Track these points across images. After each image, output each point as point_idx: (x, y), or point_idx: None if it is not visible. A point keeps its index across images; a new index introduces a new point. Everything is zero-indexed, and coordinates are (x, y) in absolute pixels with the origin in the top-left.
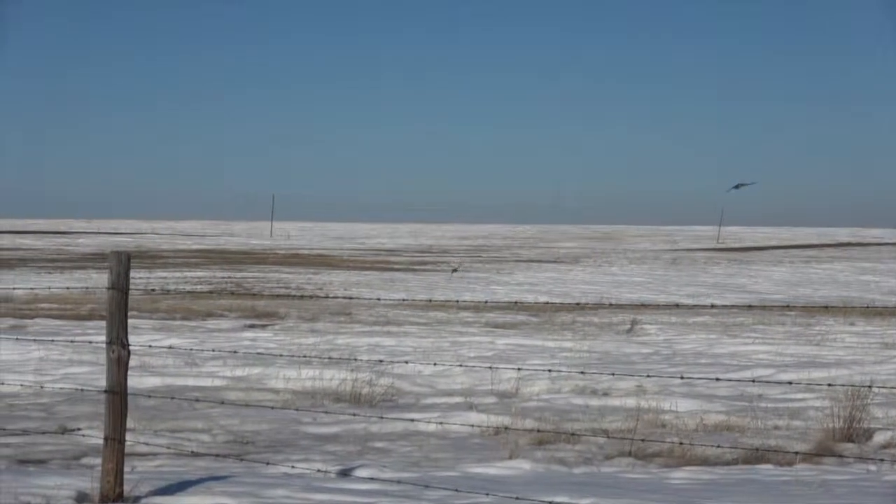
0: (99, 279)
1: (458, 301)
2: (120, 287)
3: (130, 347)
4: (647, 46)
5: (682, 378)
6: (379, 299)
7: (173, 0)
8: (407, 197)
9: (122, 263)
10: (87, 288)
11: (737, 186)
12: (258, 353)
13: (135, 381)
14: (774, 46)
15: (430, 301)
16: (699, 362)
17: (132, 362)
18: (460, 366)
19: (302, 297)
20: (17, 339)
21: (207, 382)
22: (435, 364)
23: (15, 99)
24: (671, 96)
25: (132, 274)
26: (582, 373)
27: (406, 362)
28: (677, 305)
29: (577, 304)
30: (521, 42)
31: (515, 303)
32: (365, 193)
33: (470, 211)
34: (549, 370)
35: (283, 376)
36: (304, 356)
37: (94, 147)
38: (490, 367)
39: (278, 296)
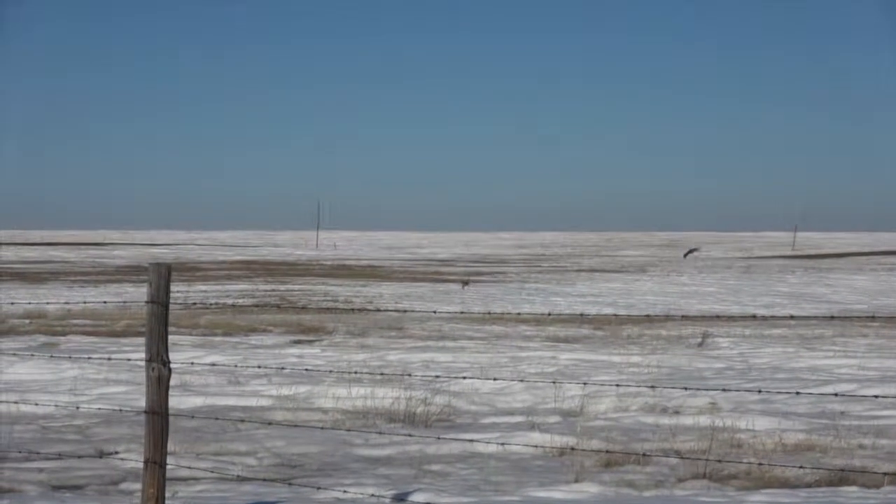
0: (135, 293)
1: (519, 313)
2: (160, 301)
3: (171, 365)
4: (713, 51)
5: (759, 393)
6: (435, 312)
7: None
8: (460, 204)
9: (161, 276)
10: (125, 302)
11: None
12: (305, 371)
13: (175, 401)
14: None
15: (489, 313)
16: (776, 377)
17: (172, 381)
18: (521, 381)
19: (351, 310)
20: (50, 356)
21: (252, 402)
22: (494, 380)
23: (47, 105)
24: (746, 95)
25: (171, 287)
26: (652, 387)
27: (464, 378)
28: (754, 317)
29: (647, 316)
30: (582, 47)
31: (583, 314)
32: (415, 200)
33: (528, 218)
34: (617, 385)
35: (332, 395)
36: (355, 373)
37: (131, 155)
38: (554, 383)
39: (325, 309)
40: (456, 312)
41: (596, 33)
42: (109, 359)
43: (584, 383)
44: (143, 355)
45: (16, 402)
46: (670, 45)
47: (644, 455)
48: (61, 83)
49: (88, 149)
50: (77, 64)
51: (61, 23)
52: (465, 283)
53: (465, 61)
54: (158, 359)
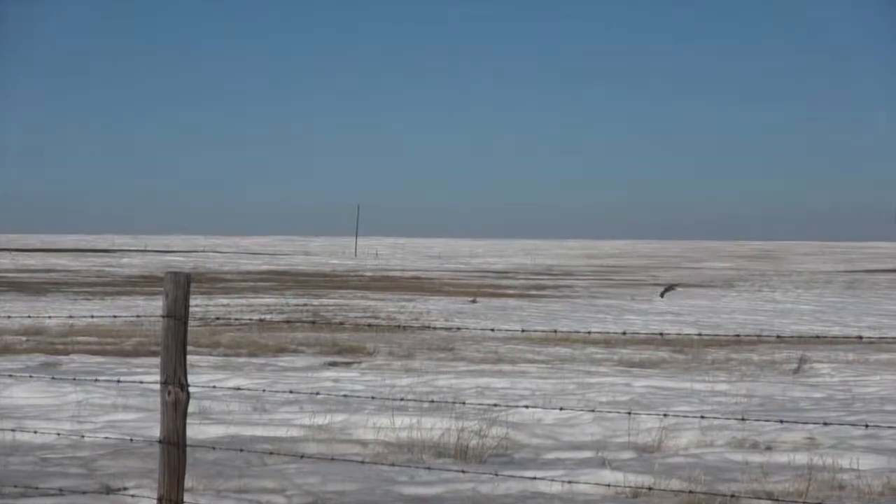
0: (147, 307)
1: (589, 332)
2: (177, 315)
3: (190, 388)
4: (825, 54)
5: (865, 427)
6: (493, 330)
7: (246, 2)
8: (520, 208)
9: (179, 286)
10: (137, 317)
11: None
12: (342, 397)
13: (193, 431)
14: None
15: (556, 332)
16: (885, 409)
17: (190, 407)
18: (590, 411)
19: (395, 327)
20: (51, 378)
21: (281, 432)
22: (561, 409)
23: (53, 101)
24: (857, 97)
25: (190, 300)
26: (741, 420)
27: (524, 407)
28: (859, 339)
29: (736, 336)
30: (655, 49)
31: (661, 334)
32: (468, 204)
33: (598, 224)
34: (701, 417)
35: (373, 425)
36: (399, 400)
37: (143, 153)
38: (629, 414)
39: (365, 327)
40: (516, 332)
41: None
42: (119, 381)
43: (664, 414)
44: (156, 377)
45: (12, 430)
46: (782, 50)
47: (731, 497)
48: (73, 78)
49: (94, 145)
50: (92, 58)
51: (81, 15)
52: (473, 300)
53: (527, 62)
54: (175, 381)
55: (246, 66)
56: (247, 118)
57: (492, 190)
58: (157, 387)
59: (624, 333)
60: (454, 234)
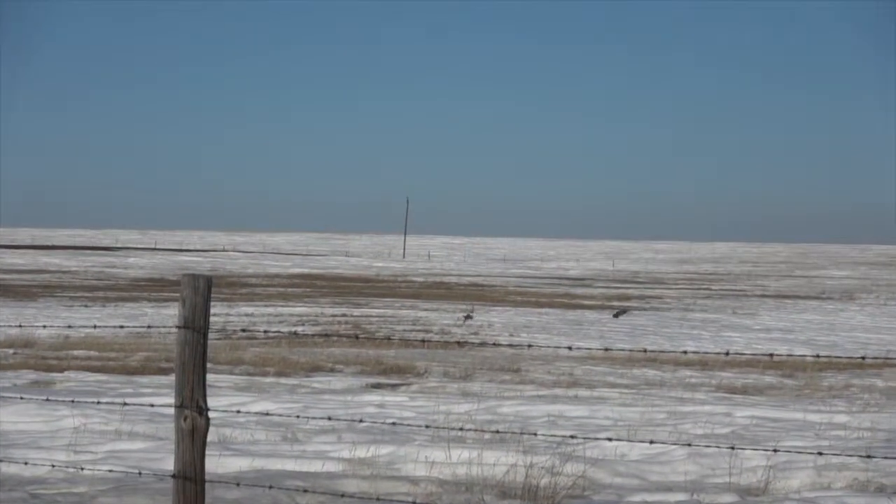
0: (156, 316)
1: (685, 352)
2: (196, 326)
3: (209, 413)
4: None
5: None
6: (570, 348)
7: None
8: (599, 203)
9: (198, 292)
10: (147, 328)
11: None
12: (389, 425)
13: (212, 463)
14: None
15: (646, 352)
16: None
17: (209, 435)
18: (687, 446)
19: (450, 344)
20: (46, 399)
21: (315, 466)
22: (651, 443)
23: (53, 80)
24: None
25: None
26: (866, 457)
27: (609, 440)
28: None
29: (862, 358)
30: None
31: (771, 356)
32: (539, 198)
33: (691, 225)
34: (819, 453)
35: (425, 459)
36: (459, 429)
37: (153, 134)
38: (731, 449)
39: (415, 342)
40: (594, 350)
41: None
42: (124, 404)
43: (772, 450)
44: (168, 399)
45: None
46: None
47: None
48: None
49: (93, 126)
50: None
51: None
52: (468, 315)
53: (600, 58)
54: (193, 404)
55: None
56: (275, 97)
57: (566, 183)
58: (170, 410)
59: (727, 354)
60: (521, 234)
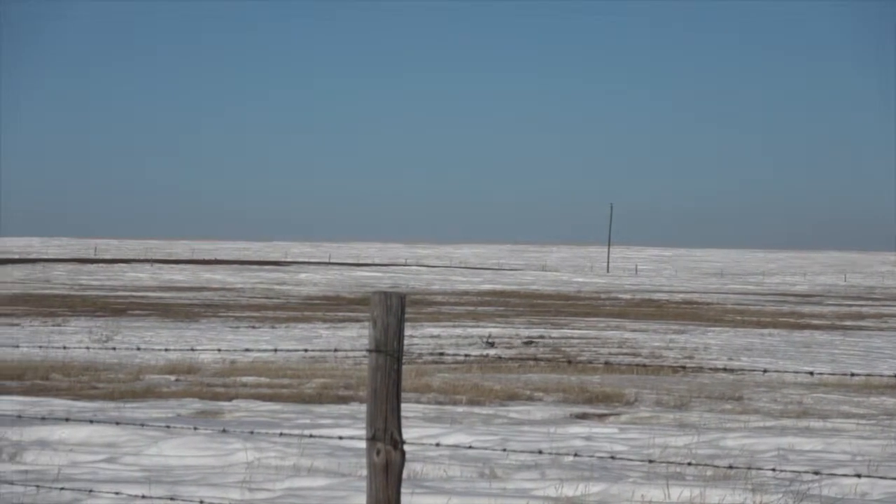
0: (331, 338)
1: None
2: (389, 350)
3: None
4: None
5: None
6: (812, 373)
7: None
8: (825, 210)
9: (392, 312)
10: (326, 351)
11: (487, 342)
12: (597, 460)
13: (404, 502)
14: None
15: (893, 377)
16: None
17: None
18: None
19: (662, 368)
20: (222, 430)
21: None
22: None
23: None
24: None
25: None
26: None
27: (844, 476)
28: None
29: None
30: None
31: None
32: (756, 206)
33: None
34: None
35: (641, 498)
36: (677, 463)
37: (325, 146)
38: None
39: (622, 367)
40: (834, 375)
41: None
42: (308, 436)
43: None
44: (348, 431)
45: (170, 500)
46: None
47: None
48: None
49: (258, 137)
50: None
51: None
52: (490, 343)
53: None
54: (387, 437)
55: None
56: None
57: (789, 187)
58: (353, 444)
59: None
60: (739, 245)
